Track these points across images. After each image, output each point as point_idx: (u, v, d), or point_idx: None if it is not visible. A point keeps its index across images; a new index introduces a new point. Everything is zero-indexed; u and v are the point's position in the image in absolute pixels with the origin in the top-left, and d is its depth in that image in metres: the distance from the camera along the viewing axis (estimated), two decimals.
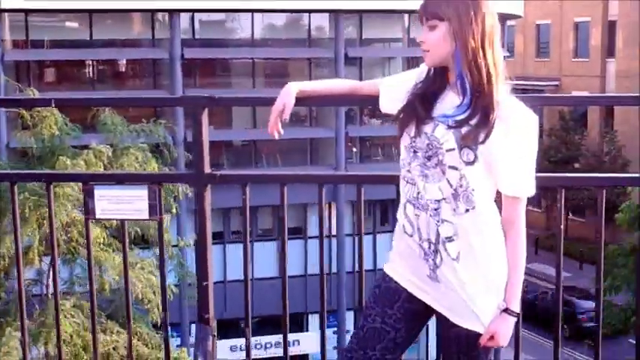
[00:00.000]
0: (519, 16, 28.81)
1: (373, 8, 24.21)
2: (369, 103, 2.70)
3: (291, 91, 2.72)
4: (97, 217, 2.83)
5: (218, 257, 23.25)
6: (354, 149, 26.53)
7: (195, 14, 24.18)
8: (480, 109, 2.35)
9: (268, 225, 25.14)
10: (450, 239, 2.44)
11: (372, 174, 2.86)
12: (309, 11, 24.48)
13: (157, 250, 12.19)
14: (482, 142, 2.34)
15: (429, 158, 2.42)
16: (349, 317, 24.82)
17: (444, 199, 2.42)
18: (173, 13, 23.11)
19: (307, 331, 24.60)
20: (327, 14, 24.93)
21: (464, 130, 2.35)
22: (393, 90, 2.63)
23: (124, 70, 26.13)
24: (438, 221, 2.44)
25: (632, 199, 17.22)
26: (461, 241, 2.44)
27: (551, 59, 39.67)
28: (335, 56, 24.50)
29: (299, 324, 23.85)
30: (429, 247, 2.48)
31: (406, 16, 25.66)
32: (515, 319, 2.50)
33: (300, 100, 2.70)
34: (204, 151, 2.78)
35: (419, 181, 2.46)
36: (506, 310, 2.48)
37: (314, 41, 25.59)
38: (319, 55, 25.45)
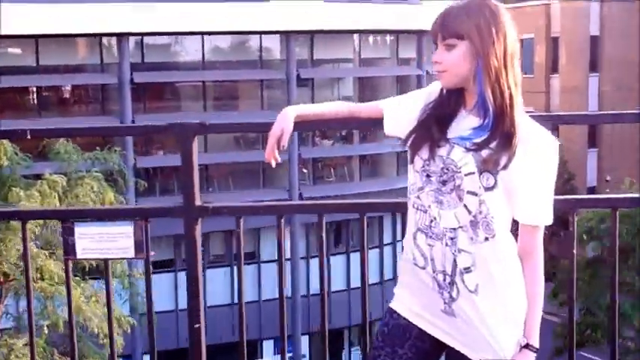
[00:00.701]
0: None
1: (323, 29, 24.15)
2: (371, 126, 2.56)
3: (288, 115, 2.55)
4: (78, 257, 2.58)
5: (180, 284, 22.88)
6: (305, 170, 26.27)
7: (143, 38, 23.77)
8: (500, 132, 2.21)
9: (220, 251, 24.75)
10: (467, 270, 2.28)
11: (375, 201, 2.68)
12: (261, 33, 24.29)
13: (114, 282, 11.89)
14: (505, 166, 2.19)
15: (444, 183, 2.26)
16: (304, 341, 24.55)
17: (460, 227, 2.26)
18: (122, 37, 22.68)
19: (262, 357, 24.21)
20: (275, 35, 24.77)
21: (484, 153, 2.21)
22: (400, 111, 2.48)
23: (69, 96, 25.50)
24: (455, 251, 2.28)
25: (586, 213, 17.41)
26: (479, 271, 2.27)
27: None
28: (287, 77, 24.33)
29: (253, 351, 23.44)
30: (444, 280, 2.31)
31: (356, 35, 25.69)
32: (535, 354, 2.34)
33: (299, 125, 2.53)
34: (195, 181, 2.56)
35: (433, 208, 2.29)
36: (527, 346, 2.33)
37: (264, 63, 25.39)
38: (271, 76, 25.20)
